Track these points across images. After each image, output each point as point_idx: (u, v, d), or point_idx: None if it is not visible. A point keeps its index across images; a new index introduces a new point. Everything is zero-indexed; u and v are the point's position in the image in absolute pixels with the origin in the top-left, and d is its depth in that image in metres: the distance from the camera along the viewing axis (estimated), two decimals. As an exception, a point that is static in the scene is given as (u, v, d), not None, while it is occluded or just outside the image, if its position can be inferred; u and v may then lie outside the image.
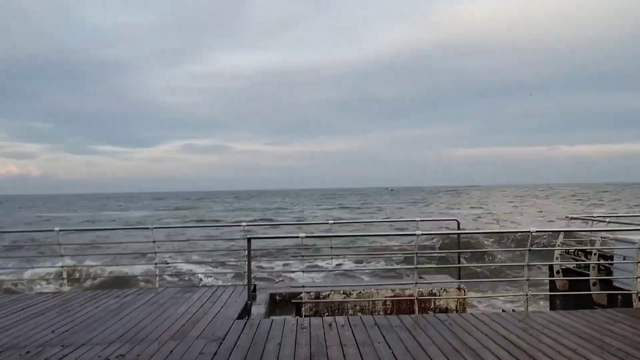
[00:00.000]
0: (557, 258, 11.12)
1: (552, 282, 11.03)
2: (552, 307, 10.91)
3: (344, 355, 5.57)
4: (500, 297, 13.23)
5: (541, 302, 13.31)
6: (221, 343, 6.14)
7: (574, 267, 10.87)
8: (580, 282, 9.80)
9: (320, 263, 16.65)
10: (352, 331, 6.50)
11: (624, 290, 8.67)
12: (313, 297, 9.30)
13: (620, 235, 9.48)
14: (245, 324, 7.03)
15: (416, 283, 8.17)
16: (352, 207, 77.87)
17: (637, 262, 8.28)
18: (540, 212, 56.49)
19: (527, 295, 8.13)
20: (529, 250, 8.27)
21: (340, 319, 7.15)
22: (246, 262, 8.11)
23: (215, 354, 5.74)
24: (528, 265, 8.27)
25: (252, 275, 8.14)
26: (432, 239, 23.57)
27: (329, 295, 9.34)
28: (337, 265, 14.24)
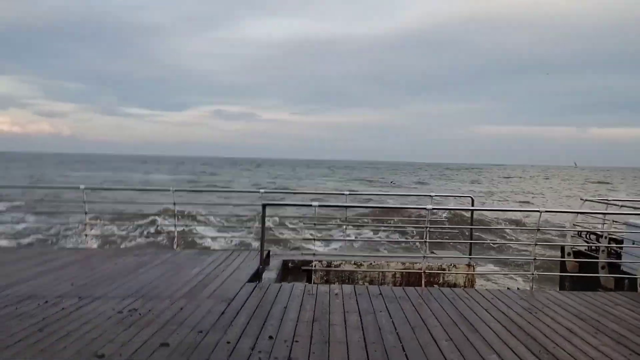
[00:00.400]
0: (569, 240, 11.18)
1: (562, 263, 11.12)
2: (562, 288, 11.01)
3: (345, 320, 5.81)
4: (511, 275, 13.33)
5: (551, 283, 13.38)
6: (229, 304, 6.43)
7: (585, 249, 10.92)
8: (590, 265, 9.87)
9: (334, 233, 16.86)
10: (357, 300, 6.73)
11: (631, 274, 8.72)
12: (325, 265, 9.54)
13: (631, 219, 9.49)
14: (255, 287, 7.31)
15: (424, 257, 8.34)
16: (373, 180, 77.77)
17: (645, 247, 8.35)
18: (557, 192, 55.86)
19: (533, 274, 8.25)
20: (538, 229, 8.37)
21: (348, 288, 7.38)
22: (260, 228, 8.37)
23: (222, 313, 6.02)
24: (536, 245, 8.39)
25: (267, 242, 8.40)
26: (443, 213, 23.64)
27: (340, 265, 9.58)
28: (350, 236, 14.44)
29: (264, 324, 5.65)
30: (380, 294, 7.07)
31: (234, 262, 9.10)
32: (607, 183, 78.71)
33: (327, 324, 5.68)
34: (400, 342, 5.13)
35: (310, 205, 8.16)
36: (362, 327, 5.61)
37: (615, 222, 10.04)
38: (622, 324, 6.11)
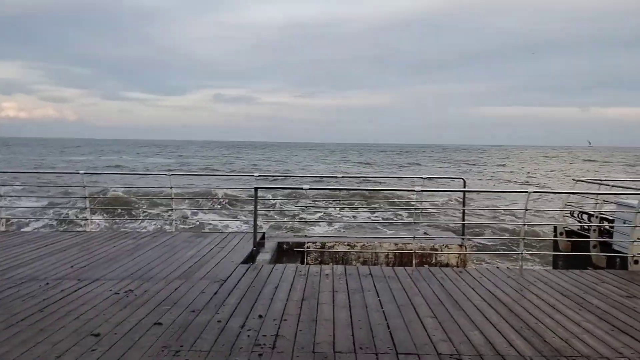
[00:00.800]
0: (562, 219, 11.32)
1: (555, 243, 11.27)
2: (555, 267, 11.16)
3: (333, 299, 5.97)
4: (505, 254, 13.47)
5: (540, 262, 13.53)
6: (222, 284, 6.59)
7: (577, 229, 11.05)
8: (582, 244, 10.01)
9: (331, 214, 17.00)
10: (347, 280, 6.88)
11: (622, 253, 8.85)
12: (318, 247, 9.70)
13: (622, 199, 9.59)
14: (248, 268, 7.47)
15: (414, 237, 8.48)
16: (370, 163, 77.78)
17: (635, 226, 8.46)
18: (553, 172, 55.83)
19: (521, 253, 8.40)
20: (526, 210, 8.50)
21: (339, 268, 7.54)
22: (254, 211, 8.52)
23: (215, 293, 6.19)
24: (525, 225, 8.53)
25: (262, 224, 8.56)
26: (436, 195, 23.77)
27: (333, 246, 9.73)
28: (343, 217, 14.60)
29: (254, 304, 5.81)
30: (370, 274, 7.22)
31: (229, 244, 9.26)
32: (608, 163, 78.60)
33: (316, 303, 5.83)
34: (386, 320, 5.29)
35: (302, 188, 8.30)
36: (349, 305, 5.76)
37: (606, 201, 10.15)
38: (607, 301, 6.24)
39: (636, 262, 8.41)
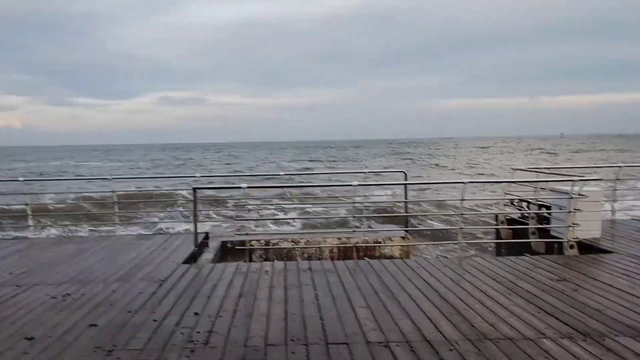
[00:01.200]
0: (503, 208, 11.66)
1: (497, 231, 11.60)
2: (498, 255, 11.49)
3: (270, 295, 6.01)
4: (444, 244, 13.72)
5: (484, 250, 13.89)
6: (161, 284, 6.54)
7: (518, 217, 11.40)
8: (522, 231, 10.34)
9: (270, 212, 16.97)
10: (286, 275, 6.93)
11: (559, 239, 9.19)
12: (263, 244, 9.72)
13: (557, 186, 9.94)
14: (189, 268, 7.43)
15: (354, 230, 8.62)
16: (322, 160, 78.13)
17: (569, 212, 8.81)
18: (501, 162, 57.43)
19: (459, 242, 8.64)
20: (462, 200, 8.75)
21: (279, 264, 7.58)
22: (193, 212, 8.50)
23: (153, 293, 6.15)
24: (462, 215, 8.77)
25: (204, 224, 8.52)
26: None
27: (277, 243, 9.77)
28: (287, 214, 14.61)
29: (191, 302, 5.80)
30: (310, 268, 7.29)
31: (172, 245, 9.18)
32: (554, 153, 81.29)
33: (253, 299, 5.86)
34: (319, 312, 5.36)
35: (240, 187, 8.32)
36: (285, 300, 5.82)
37: (543, 189, 10.50)
38: (538, 285, 6.46)
39: (571, 246, 8.77)
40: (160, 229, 16.46)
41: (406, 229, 10.75)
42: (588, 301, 5.78)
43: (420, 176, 41.59)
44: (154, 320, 5.18)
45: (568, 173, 10.46)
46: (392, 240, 10.15)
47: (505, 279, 6.79)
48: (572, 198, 8.71)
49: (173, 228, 15.63)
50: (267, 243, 9.74)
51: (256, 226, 10.20)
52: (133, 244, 9.30)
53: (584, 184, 8.92)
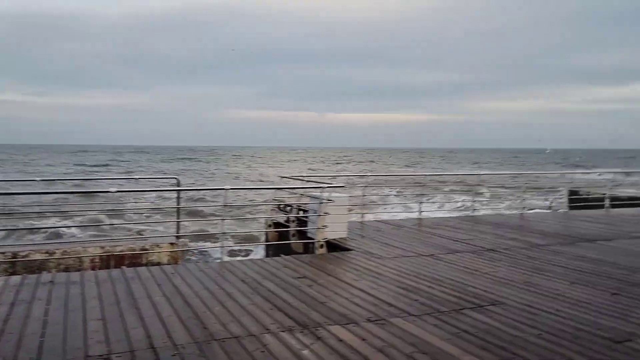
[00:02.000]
0: (272, 213, 12.30)
1: (266, 234, 12.21)
2: (267, 256, 12.07)
3: (-8, 314, 5.52)
4: (210, 248, 13.78)
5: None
6: None
7: (284, 221, 12.13)
8: (285, 234, 11.03)
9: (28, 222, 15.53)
10: (18, 290, 6.41)
11: (313, 239, 9.98)
12: (10, 257, 8.87)
13: (313, 191, 10.82)
14: None
15: (111, 239, 8.33)
16: (87, 164, 74.22)
17: (319, 215, 9.64)
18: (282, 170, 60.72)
19: (222, 246, 8.92)
20: (225, 205, 9.05)
21: (16, 279, 6.98)
22: None
23: None
24: (224, 220, 9.06)
25: None
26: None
27: (28, 254, 9.01)
28: (46, 223, 13.43)
29: None
30: (52, 281, 6.86)
31: None
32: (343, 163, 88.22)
33: (-33, 321, 5.32)
34: (43, 329, 5.06)
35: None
36: (7, 318, 5.39)
37: (302, 195, 11.34)
38: (279, 283, 6.95)
39: (321, 246, 9.60)
40: None
41: (177, 234, 10.72)
42: (317, 295, 6.41)
43: (194, 183, 41.59)
44: None
45: (322, 181, 11.43)
46: (159, 247, 10.04)
47: (253, 279, 7.17)
48: (321, 203, 9.55)
49: None
50: (15, 255, 8.91)
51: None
52: None
53: (333, 190, 9.86)
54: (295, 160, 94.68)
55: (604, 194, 17.23)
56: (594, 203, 17.25)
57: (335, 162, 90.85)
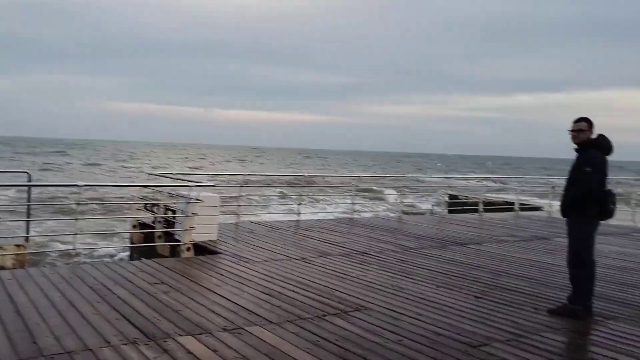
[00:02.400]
0: (137, 212, 11.51)
1: (131, 236, 11.39)
2: (132, 259, 11.27)
3: None
4: (62, 250, 12.54)
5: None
6: None
7: (152, 221, 11.40)
8: (151, 235, 10.33)
9: None
10: None
11: (180, 242, 9.42)
12: None
13: (182, 190, 10.25)
14: None
15: None
16: None
17: (186, 216, 9.12)
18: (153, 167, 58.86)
19: (74, 248, 8.15)
20: (77, 204, 8.28)
21: None
22: None
23: None
24: (77, 220, 8.28)
25: None
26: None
27: None
28: None
29: None
30: None
31: None
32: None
33: None
34: None
35: None
36: None
37: (171, 194, 10.70)
38: (133, 290, 6.35)
39: (188, 249, 9.08)
40: None
41: (26, 235, 9.64)
42: (173, 303, 5.94)
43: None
44: None
45: (192, 179, 10.90)
46: (3, 249, 8.96)
47: (103, 285, 6.52)
48: (189, 203, 9.04)
49: None
50: None
51: None
52: None
53: (203, 189, 9.39)
54: (176, 157, 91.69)
55: (478, 199, 18.00)
56: (470, 207, 17.92)
57: (219, 160, 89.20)
